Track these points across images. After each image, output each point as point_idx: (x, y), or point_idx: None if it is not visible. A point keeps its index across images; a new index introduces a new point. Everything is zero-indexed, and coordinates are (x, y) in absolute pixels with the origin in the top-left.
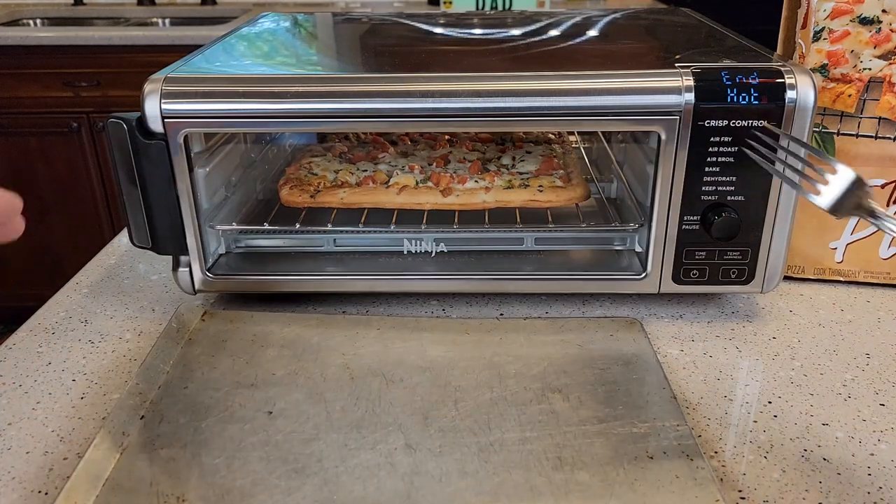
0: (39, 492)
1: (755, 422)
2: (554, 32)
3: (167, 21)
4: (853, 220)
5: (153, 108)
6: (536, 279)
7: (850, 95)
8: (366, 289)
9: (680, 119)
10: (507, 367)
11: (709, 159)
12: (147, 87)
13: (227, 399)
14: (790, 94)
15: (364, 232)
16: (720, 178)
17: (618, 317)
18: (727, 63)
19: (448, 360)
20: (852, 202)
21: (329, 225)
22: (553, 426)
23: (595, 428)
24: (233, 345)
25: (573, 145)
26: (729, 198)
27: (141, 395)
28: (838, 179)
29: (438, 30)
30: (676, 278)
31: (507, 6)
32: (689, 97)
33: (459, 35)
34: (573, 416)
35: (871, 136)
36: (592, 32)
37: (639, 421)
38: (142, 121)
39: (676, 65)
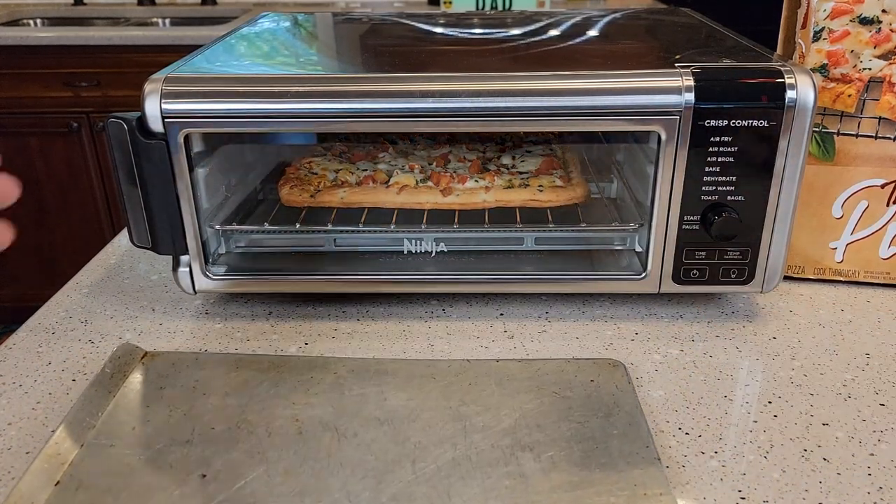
0: None
1: (755, 422)
2: (554, 32)
3: (167, 21)
4: (853, 220)
5: (153, 107)
6: (536, 279)
7: (850, 95)
8: (366, 289)
9: (680, 119)
10: (475, 420)
11: (709, 159)
12: (147, 86)
13: (157, 459)
14: (790, 94)
15: (364, 232)
16: (720, 178)
17: (600, 359)
18: (727, 63)
19: (409, 411)
20: None
21: (329, 225)
22: (520, 494)
23: (567, 496)
24: (171, 393)
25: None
26: (729, 198)
27: (59, 455)
28: None
29: (438, 30)
30: (676, 278)
31: (507, 6)
32: (689, 97)
33: (459, 35)
34: (544, 481)
35: (871, 136)
36: (592, 32)
37: (617, 489)
38: (142, 121)
39: (676, 65)
